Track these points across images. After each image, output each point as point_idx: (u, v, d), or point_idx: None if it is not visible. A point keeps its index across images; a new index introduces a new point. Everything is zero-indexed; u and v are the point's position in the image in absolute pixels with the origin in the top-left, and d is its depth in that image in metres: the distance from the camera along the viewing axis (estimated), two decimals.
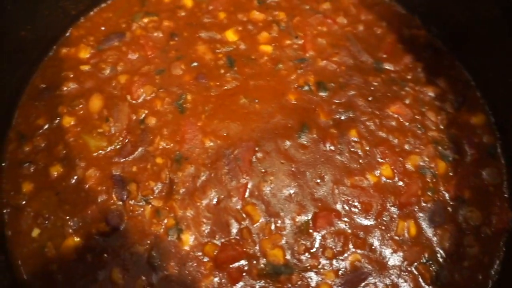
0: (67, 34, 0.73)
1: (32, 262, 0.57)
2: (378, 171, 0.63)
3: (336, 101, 0.68)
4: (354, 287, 0.56)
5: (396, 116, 0.67)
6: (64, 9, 0.71)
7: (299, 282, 0.56)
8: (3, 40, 0.61)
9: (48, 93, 0.67)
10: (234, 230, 0.58)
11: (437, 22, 0.75)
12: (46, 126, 0.65)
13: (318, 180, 0.62)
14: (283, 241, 0.58)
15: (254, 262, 0.56)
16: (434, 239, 0.59)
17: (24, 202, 0.60)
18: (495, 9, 0.63)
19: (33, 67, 0.69)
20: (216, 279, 0.56)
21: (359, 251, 0.58)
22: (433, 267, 0.57)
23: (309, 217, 0.59)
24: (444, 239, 0.59)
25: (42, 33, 0.69)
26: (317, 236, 0.58)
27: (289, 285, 0.55)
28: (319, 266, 0.56)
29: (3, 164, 0.62)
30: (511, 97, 0.65)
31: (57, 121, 0.65)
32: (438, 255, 0.58)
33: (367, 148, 0.64)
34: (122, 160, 0.62)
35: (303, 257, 0.57)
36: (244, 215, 0.59)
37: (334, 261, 0.57)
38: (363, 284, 0.56)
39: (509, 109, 0.65)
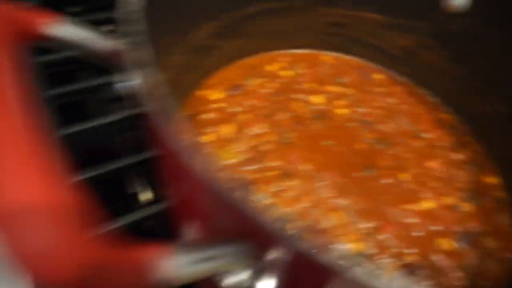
0: (204, 81, 1.03)
1: None
2: (422, 203, 0.88)
3: (390, 153, 0.95)
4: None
5: (433, 169, 0.94)
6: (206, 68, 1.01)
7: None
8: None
9: (190, 119, 0.94)
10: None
11: (462, 113, 1.06)
12: None
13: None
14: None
15: None
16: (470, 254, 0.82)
17: None
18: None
19: (179, 101, 0.97)
20: None
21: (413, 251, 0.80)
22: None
23: (375, 225, 0.83)
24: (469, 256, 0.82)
25: (186, 80, 0.98)
26: (381, 238, 0.81)
27: None
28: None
29: None
30: None
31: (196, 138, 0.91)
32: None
33: (414, 186, 0.90)
34: (243, 170, 0.87)
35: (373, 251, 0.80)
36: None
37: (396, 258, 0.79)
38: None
39: None
